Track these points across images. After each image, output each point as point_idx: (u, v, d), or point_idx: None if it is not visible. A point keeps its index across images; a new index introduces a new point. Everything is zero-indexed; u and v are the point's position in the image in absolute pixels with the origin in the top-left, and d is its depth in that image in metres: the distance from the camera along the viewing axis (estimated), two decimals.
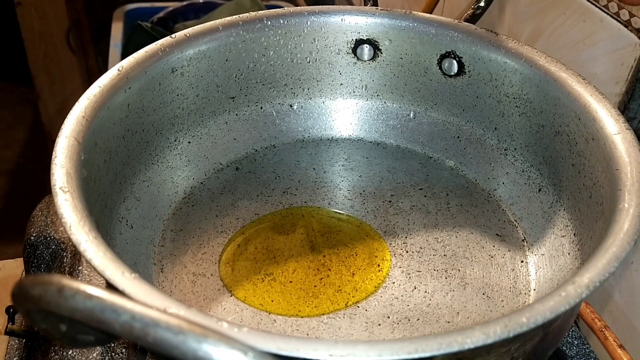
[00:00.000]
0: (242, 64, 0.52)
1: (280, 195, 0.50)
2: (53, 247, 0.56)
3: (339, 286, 0.43)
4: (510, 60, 0.47)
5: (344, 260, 0.45)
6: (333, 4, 0.56)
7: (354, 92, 0.55)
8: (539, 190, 0.47)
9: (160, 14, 1.17)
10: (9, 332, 0.54)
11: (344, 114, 0.56)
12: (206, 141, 0.52)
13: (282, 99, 0.55)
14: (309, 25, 0.52)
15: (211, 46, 0.49)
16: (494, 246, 0.46)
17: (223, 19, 0.50)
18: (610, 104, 0.41)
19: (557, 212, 0.45)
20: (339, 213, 0.49)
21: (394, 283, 0.43)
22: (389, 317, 0.41)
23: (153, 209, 0.47)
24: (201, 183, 0.51)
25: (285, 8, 0.52)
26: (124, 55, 0.99)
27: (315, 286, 0.43)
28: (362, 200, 0.50)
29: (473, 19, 0.54)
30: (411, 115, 0.55)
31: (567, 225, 0.43)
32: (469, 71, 0.50)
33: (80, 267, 0.53)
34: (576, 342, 0.49)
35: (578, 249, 0.41)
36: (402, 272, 0.44)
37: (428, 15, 0.52)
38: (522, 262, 0.45)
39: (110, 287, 0.29)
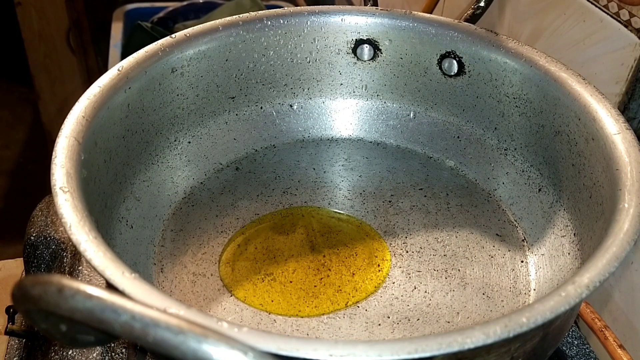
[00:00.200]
0: (242, 64, 0.52)
1: (280, 195, 0.50)
2: (53, 247, 0.56)
3: (339, 286, 0.43)
4: (510, 60, 0.47)
5: (344, 260, 0.45)
6: (333, 4, 0.56)
7: (354, 92, 0.55)
8: (539, 190, 0.47)
9: (160, 14, 1.17)
10: (9, 332, 0.54)
11: (344, 114, 0.56)
12: (206, 141, 0.52)
13: (282, 99, 0.55)
14: (309, 25, 0.52)
15: (211, 46, 0.49)
16: (494, 246, 0.46)
17: (223, 19, 0.50)
18: (610, 104, 0.41)
19: (557, 212, 0.45)
20: (339, 213, 0.49)
21: (394, 283, 0.43)
22: (389, 317, 0.41)
23: (153, 209, 0.47)
24: (201, 183, 0.51)
25: (285, 8, 0.52)
26: (124, 55, 0.99)
27: (315, 286, 0.43)
28: (362, 200, 0.50)
29: (473, 19, 0.54)
30: (411, 115, 0.55)
31: (567, 225, 0.43)
32: (469, 71, 0.50)
33: (80, 267, 0.53)
34: (576, 342, 0.49)
35: (578, 249, 0.41)
36: (402, 272, 0.44)
37: (428, 15, 0.52)
38: (522, 262, 0.45)
39: (110, 287, 0.29)
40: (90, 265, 0.30)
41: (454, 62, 0.51)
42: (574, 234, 0.42)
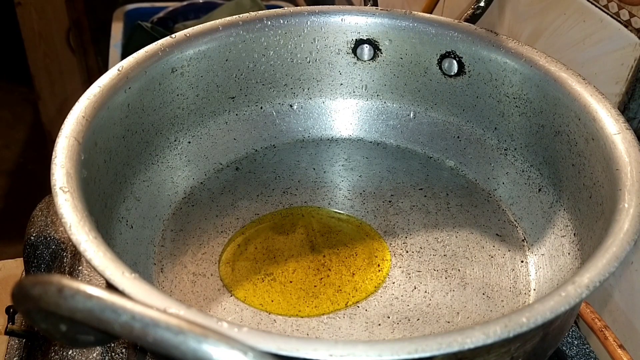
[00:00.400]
0: (242, 64, 0.52)
1: (280, 195, 0.50)
2: (53, 247, 0.56)
3: (339, 286, 0.43)
4: (510, 60, 0.47)
5: (344, 260, 0.45)
6: (333, 4, 0.56)
7: (354, 92, 0.55)
8: (539, 190, 0.47)
9: (160, 14, 1.17)
10: (9, 332, 0.54)
11: (344, 114, 0.56)
12: (206, 141, 0.52)
13: (282, 99, 0.55)
14: (309, 25, 0.52)
15: (211, 46, 0.49)
16: (494, 246, 0.46)
17: (223, 19, 0.50)
18: (610, 104, 0.41)
19: (557, 212, 0.45)
20: (339, 213, 0.49)
21: (394, 283, 0.43)
22: (389, 317, 0.41)
23: (153, 209, 0.47)
24: (201, 183, 0.51)
25: (285, 8, 0.52)
26: (124, 55, 0.99)
27: (315, 286, 0.43)
28: (362, 200, 0.50)
29: (473, 19, 0.54)
30: (411, 115, 0.55)
31: (567, 225, 0.43)
32: (469, 71, 0.50)
33: (80, 267, 0.53)
34: (576, 342, 0.49)
35: (578, 249, 0.41)
36: (402, 272, 0.44)
37: (428, 15, 0.52)
38: (522, 262, 0.45)
39: (110, 287, 0.29)
40: (90, 265, 0.30)
41: (454, 62, 0.51)
42: (574, 234, 0.42)
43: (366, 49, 0.53)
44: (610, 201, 0.36)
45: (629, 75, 0.47)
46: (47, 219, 0.58)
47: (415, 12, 0.52)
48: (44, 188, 0.42)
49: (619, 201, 0.34)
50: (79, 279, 0.52)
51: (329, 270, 0.44)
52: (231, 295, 0.42)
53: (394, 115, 0.55)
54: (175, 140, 0.50)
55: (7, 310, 0.57)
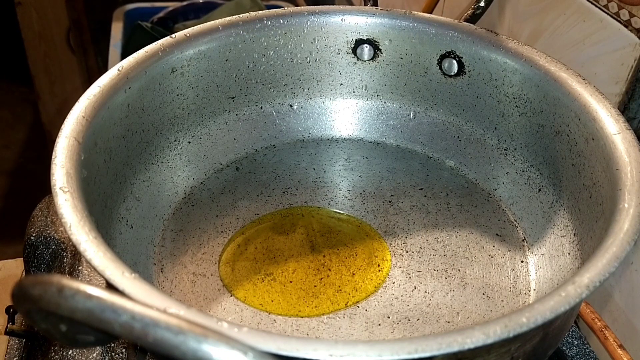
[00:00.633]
0: (242, 64, 0.52)
1: (280, 195, 0.50)
2: (53, 247, 0.56)
3: (339, 286, 0.43)
4: (510, 60, 0.47)
5: (344, 260, 0.45)
6: (333, 4, 0.56)
7: (354, 92, 0.55)
8: (539, 190, 0.47)
9: (160, 14, 1.17)
10: (9, 332, 0.54)
11: (344, 114, 0.56)
12: (206, 141, 0.52)
13: (282, 99, 0.55)
14: (309, 25, 0.52)
15: (211, 46, 0.49)
16: (494, 246, 0.46)
17: (223, 19, 0.50)
18: (610, 104, 0.41)
19: (557, 212, 0.45)
20: (339, 213, 0.49)
21: (394, 283, 0.43)
22: (389, 317, 0.41)
23: (153, 209, 0.47)
24: (201, 183, 0.51)
25: (285, 8, 0.52)
26: (124, 55, 0.99)
27: (315, 286, 0.43)
28: (362, 200, 0.50)
29: (473, 19, 0.54)
30: (411, 115, 0.55)
31: (567, 225, 0.43)
32: (469, 71, 0.50)
33: (80, 267, 0.53)
34: (576, 342, 0.49)
35: (578, 249, 0.41)
36: (402, 272, 0.44)
37: (428, 15, 0.52)
38: (522, 262, 0.45)
39: (110, 287, 0.29)
40: (90, 265, 0.30)
41: (454, 62, 0.51)
42: (574, 234, 0.42)
43: (366, 49, 0.53)
44: (610, 201, 0.36)
45: (629, 75, 0.47)
46: (47, 219, 0.58)
47: (415, 12, 0.52)
48: (44, 188, 0.42)
49: (619, 201, 0.34)
50: (79, 279, 0.52)
51: (329, 270, 0.44)
52: (231, 295, 0.42)
53: (394, 115, 0.55)
54: (175, 140, 0.50)
55: (7, 310, 0.57)
